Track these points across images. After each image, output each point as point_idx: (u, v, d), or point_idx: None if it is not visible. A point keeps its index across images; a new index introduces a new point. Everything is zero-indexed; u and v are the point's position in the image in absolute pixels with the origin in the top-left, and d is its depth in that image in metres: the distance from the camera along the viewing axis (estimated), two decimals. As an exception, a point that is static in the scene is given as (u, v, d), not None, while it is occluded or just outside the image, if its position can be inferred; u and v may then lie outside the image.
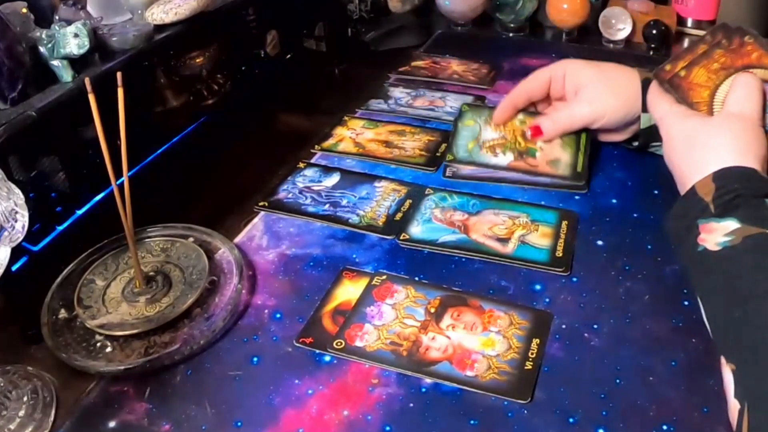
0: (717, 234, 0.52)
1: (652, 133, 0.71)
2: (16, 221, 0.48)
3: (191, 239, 0.66)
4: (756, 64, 0.63)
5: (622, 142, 0.79)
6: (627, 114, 0.73)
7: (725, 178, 0.55)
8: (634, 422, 0.49)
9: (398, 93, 0.96)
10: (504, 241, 0.67)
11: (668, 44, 1.09)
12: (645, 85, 0.70)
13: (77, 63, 0.64)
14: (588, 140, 0.77)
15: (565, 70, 0.76)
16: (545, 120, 0.76)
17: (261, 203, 0.74)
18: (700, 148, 0.58)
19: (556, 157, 0.75)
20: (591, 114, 0.74)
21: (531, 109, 0.80)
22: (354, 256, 0.66)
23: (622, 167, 0.77)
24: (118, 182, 0.55)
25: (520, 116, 0.80)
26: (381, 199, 0.73)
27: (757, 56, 0.63)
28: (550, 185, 0.74)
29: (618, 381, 0.53)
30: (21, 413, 0.51)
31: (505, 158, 0.76)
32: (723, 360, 0.49)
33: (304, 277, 0.64)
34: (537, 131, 0.76)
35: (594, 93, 0.73)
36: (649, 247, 0.65)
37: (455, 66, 1.03)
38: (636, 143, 0.76)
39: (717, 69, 0.63)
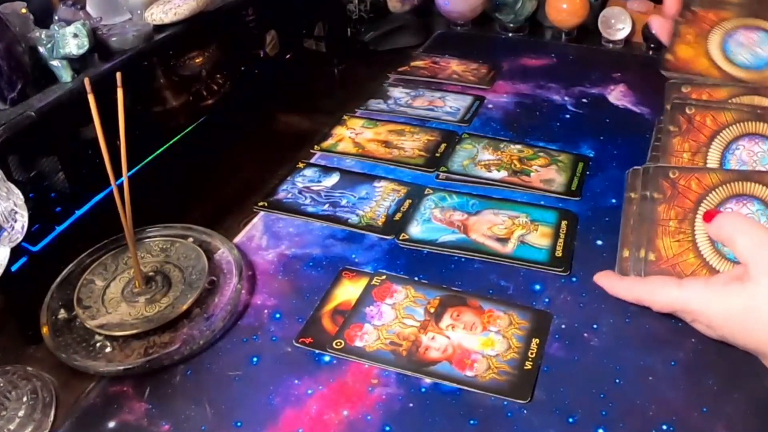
0: None
1: None
2: (15, 221, 0.48)
3: (191, 239, 0.66)
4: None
5: None
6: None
7: None
8: (633, 422, 0.49)
9: (398, 93, 0.96)
10: (503, 241, 0.67)
11: (668, 44, 1.09)
12: None
13: (77, 63, 0.64)
14: (585, 168, 0.77)
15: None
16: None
17: (260, 203, 0.74)
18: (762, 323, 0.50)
19: (551, 178, 0.76)
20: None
21: None
22: (353, 256, 0.66)
23: (621, 167, 0.77)
24: (117, 182, 0.55)
25: (519, 146, 0.81)
26: (380, 199, 0.73)
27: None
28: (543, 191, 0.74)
29: (618, 381, 0.53)
30: (21, 413, 0.51)
31: (499, 174, 0.76)
32: None
33: (304, 277, 0.64)
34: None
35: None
36: (649, 247, 0.65)
37: (455, 66, 1.03)
38: None
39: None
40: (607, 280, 0.60)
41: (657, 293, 0.55)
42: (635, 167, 0.61)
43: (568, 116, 0.89)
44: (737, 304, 0.50)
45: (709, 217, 0.54)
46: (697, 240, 0.55)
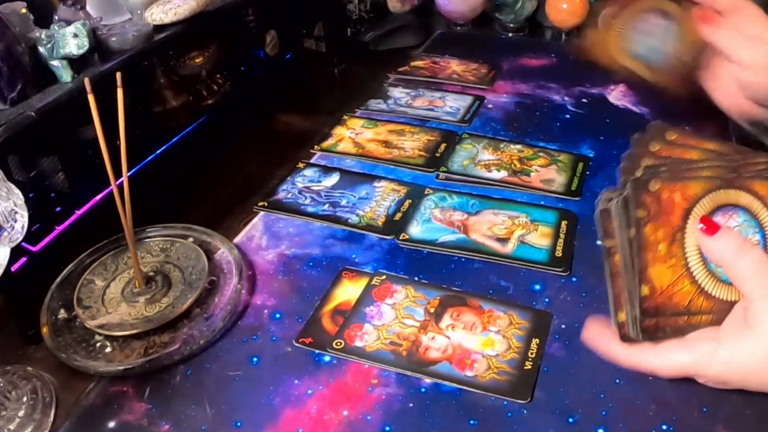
0: None
1: None
2: (15, 221, 0.48)
3: (191, 239, 0.66)
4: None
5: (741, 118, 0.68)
6: None
7: None
8: (633, 422, 0.49)
9: (397, 93, 0.96)
10: (503, 240, 0.67)
11: (668, 44, 1.09)
12: None
13: (77, 63, 0.64)
14: (585, 168, 0.77)
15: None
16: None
17: (260, 203, 0.74)
18: None
19: (551, 178, 0.76)
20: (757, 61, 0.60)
21: None
22: (353, 256, 0.66)
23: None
24: (117, 182, 0.55)
25: (519, 146, 0.81)
26: (380, 199, 0.73)
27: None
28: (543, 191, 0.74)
29: (618, 381, 0.53)
30: (21, 413, 0.51)
31: (499, 174, 0.77)
32: None
33: (304, 277, 0.64)
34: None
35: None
36: (649, 247, 0.65)
37: (455, 66, 1.03)
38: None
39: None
40: (601, 341, 0.51)
41: (665, 359, 0.49)
42: (602, 207, 0.52)
43: (568, 116, 0.89)
44: (758, 355, 0.46)
45: (710, 227, 0.48)
46: (689, 263, 0.50)
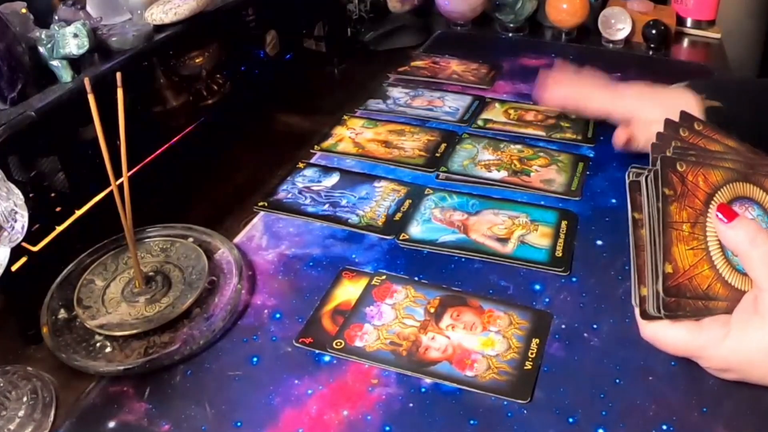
0: None
1: None
2: (15, 221, 0.48)
3: (191, 239, 0.66)
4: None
5: None
6: None
7: None
8: (633, 422, 0.49)
9: (397, 93, 0.96)
10: (503, 241, 0.67)
11: (668, 44, 1.09)
12: (708, 114, 0.68)
13: (77, 63, 0.64)
14: (585, 168, 0.77)
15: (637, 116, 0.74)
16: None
17: (260, 203, 0.74)
18: None
19: (551, 178, 0.76)
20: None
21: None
22: (353, 256, 0.66)
23: (621, 167, 0.77)
24: (117, 182, 0.55)
25: (519, 146, 0.81)
26: (380, 199, 0.73)
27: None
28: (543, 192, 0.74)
29: (618, 381, 0.53)
30: (21, 413, 0.51)
31: (499, 174, 0.77)
32: None
33: (304, 277, 0.64)
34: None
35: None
36: (649, 247, 0.65)
37: (455, 66, 1.03)
38: None
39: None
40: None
41: (674, 335, 0.50)
42: (634, 177, 0.53)
43: (568, 116, 0.89)
44: (762, 344, 0.47)
45: (727, 215, 0.50)
46: (709, 248, 0.51)
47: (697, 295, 0.50)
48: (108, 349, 0.56)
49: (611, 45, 1.09)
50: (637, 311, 0.51)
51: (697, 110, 0.69)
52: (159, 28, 0.73)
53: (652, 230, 0.51)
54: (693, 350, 0.50)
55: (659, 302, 0.49)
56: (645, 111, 0.73)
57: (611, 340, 0.56)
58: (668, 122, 0.55)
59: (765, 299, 0.48)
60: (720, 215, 0.50)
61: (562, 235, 0.67)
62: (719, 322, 0.49)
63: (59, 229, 0.69)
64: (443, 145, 0.82)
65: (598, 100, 0.79)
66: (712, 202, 0.51)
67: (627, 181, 0.54)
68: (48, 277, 0.62)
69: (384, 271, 0.64)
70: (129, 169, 0.56)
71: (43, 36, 0.62)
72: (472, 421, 0.50)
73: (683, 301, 0.50)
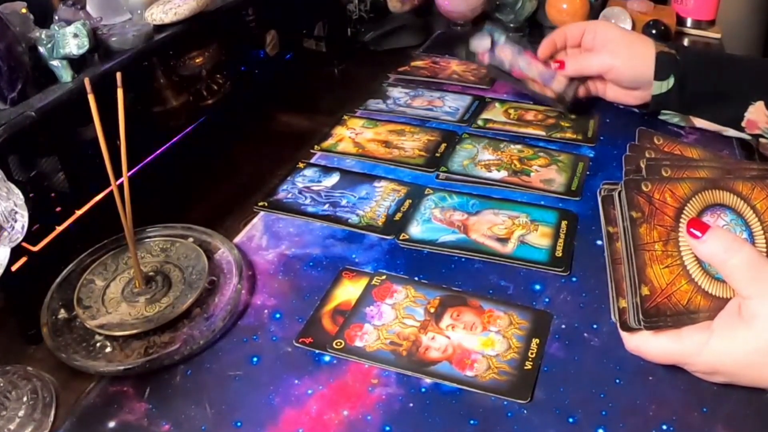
0: None
1: (663, 102, 0.82)
2: (15, 221, 0.48)
3: (191, 239, 0.66)
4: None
5: (636, 107, 0.87)
6: (638, 74, 0.82)
7: None
8: (633, 422, 0.49)
9: (396, 93, 0.96)
10: (503, 241, 0.67)
11: (668, 44, 1.09)
12: (659, 57, 0.80)
13: (77, 63, 0.64)
14: (585, 168, 0.77)
15: (597, 28, 0.86)
16: (569, 59, 0.87)
17: (260, 203, 0.74)
18: None
19: (551, 178, 0.76)
20: (607, 64, 0.83)
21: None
22: (353, 256, 0.66)
23: (621, 167, 0.77)
24: (117, 182, 0.55)
25: (519, 146, 0.81)
26: (380, 199, 0.73)
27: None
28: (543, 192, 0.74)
29: (618, 381, 0.53)
30: (21, 413, 0.51)
31: (499, 174, 0.77)
32: None
33: (304, 277, 0.64)
34: (561, 65, 0.87)
35: (614, 47, 0.83)
36: (649, 247, 0.65)
37: (455, 66, 1.03)
38: (646, 111, 0.85)
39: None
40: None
41: (657, 344, 0.51)
42: (606, 190, 0.53)
43: (568, 116, 0.89)
44: (749, 350, 0.48)
45: (699, 228, 0.49)
46: (685, 262, 0.51)
47: (678, 312, 0.50)
48: (108, 349, 0.56)
49: (611, 45, 1.09)
50: (618, 325, 0.51)
51: (651, 53, 0.80)
52: (159, 28, 0.73)
53: (627, 247, 0.50)
54: (678, 357, 0.51)
55: (638, 315, 0.49)
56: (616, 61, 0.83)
57: (611, 340, 0.56)
58: (641, 132, 0.58)
59: (748, 306, 0.48)
60: (693, 230, 0.50)
61: (562, 235, 0.67)
62: (700, 328, 0.50)
63: (59, 229, 0.69)
64: (443, 145, 0.82)
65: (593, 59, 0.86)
66: (683, 216, 0.51)
67: (599, 197, 0.54)
68: (48, 277, 0.62)
69: (384, 271, 0.64)
70: (129, 169, 0.56)
71: (43, 36, 0.62)
72: (472, 421, 0.50)
73: (663, 312, 0.50)
